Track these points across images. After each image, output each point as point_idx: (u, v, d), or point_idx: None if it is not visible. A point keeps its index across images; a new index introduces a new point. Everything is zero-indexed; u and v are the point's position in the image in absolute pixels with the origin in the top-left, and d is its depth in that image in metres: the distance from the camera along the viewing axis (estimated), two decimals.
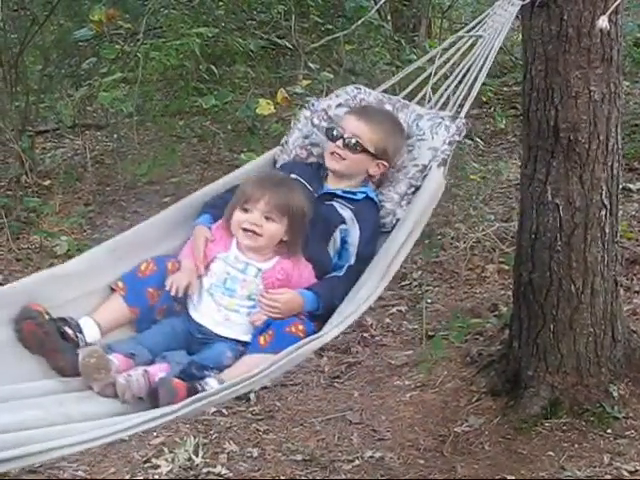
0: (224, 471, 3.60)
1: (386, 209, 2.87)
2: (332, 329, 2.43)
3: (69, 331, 2.45)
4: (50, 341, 2.40)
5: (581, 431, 3.70)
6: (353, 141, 2.85)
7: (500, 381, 3.99)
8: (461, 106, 2.98)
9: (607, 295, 3.83)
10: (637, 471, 3.46)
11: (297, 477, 3.57)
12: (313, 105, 3.08)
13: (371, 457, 3.68)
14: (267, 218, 2.61)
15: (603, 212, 3.74)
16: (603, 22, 3.19)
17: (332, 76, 5.42)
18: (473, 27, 3.13)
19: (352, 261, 2.74)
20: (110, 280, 2.63)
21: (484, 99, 6.60)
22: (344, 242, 2.78)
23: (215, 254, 2.68)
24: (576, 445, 3.63)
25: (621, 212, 4.13)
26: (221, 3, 5.88)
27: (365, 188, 2.89)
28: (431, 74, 3.10)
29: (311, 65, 5.68)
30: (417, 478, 3.54)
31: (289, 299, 2.63)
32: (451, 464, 3.60)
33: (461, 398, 4.00)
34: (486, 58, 3.00)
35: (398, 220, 2.82)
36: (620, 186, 3.88)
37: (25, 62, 6.89)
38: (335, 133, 2.88)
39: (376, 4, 5.86)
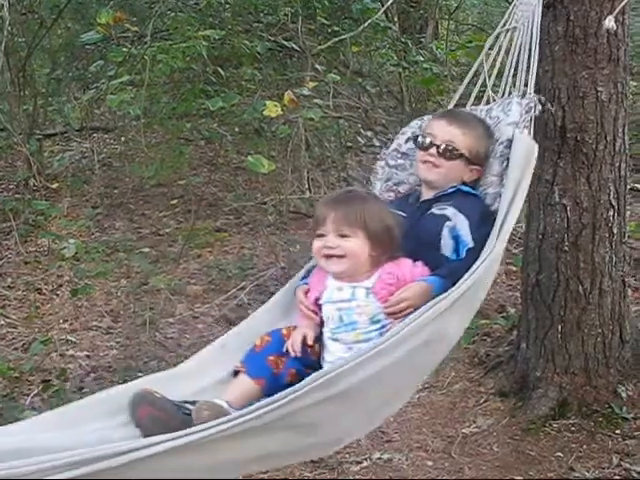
0: None
1: (491, 195, 2.70)
2: (458, 287, 2.30)
3: (191, 407, 2.27)
4: (172, 418, 2.23)
5: (589, 432, 3.69)
6: (449, 147, 2.68)
7: (508, 382, 3.99)
8: (525, 86, 2.90)
9: (615, 295, 3.82)
10: None
11: (306, 478, 3.57)
12: (384, 153, 2.95)
13: (379, 458, 3.68)
14: (341, 236, 2.43)
15: (611, 212, 3.74)
16: (610, 22, 3.18)
17: (339, 78, 5.43)
18: (505, 22, 3.09)
19: (470, 244, 2.55)
20: (223, 375, 2.50)
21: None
22: (456, 237, 2.60)
23: (318, 298, 2.50)
24: (584, 446, 3.63)
25: (629, 212, 4.12)
26: (228, 5, 5.89)
27: (455, 185, 2.74)
28: (486, 78, 3.03)
29: (318, 67, 5.69)
30: (425, 479, 3.54)
31: (413, 291, 2.42)
32: (459, 465, 3.60)
33: (469, 399, 4.00)
34: (530, 44, 2.94)
35: None
36: (628, 186, 3.87)
37: (33, 65, 6.93)
38: (427, 141, 2.71)
39: (383, 6, 5.86)
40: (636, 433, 3.67)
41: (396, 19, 6.81)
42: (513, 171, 2.57)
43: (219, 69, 5.52)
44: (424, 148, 2.71)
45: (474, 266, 2.32)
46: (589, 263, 3.76)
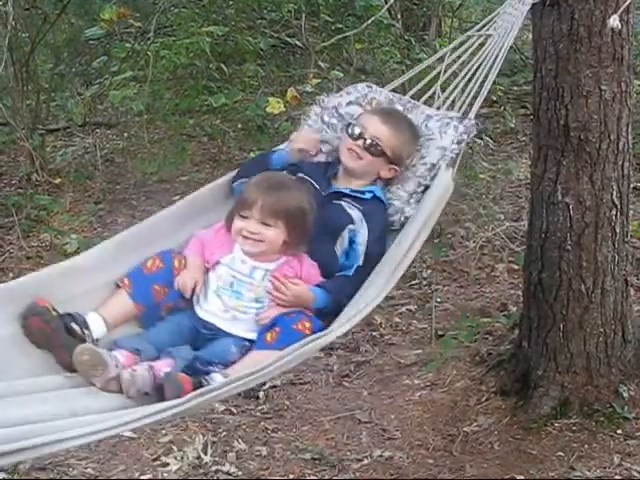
0: (233, 469, 3.60)
1: (394, 207, 2.86)
2: (339, 327, 2.42)
3: (76, 327, 2.44)
4: (57, 337, 2.40)
5: (591, 431, 3.69)
6: (374, 143, 2.84)
7: (510, 381, 3.98)
8: (470, 105, 2.98)
9: (617, 295, 3.81)
10: None
11: (306, 476, 3.57)
12: (323, 102, 3.07)
13: (380, 456, 3.68)
14: (264, 224, 2.61)
15: (614, 212, 3.73)
16: (614, 21, 3.18)
17: (342, 75, 5.42)
18: (483, 26, 3.13)
19: (360, 261, 2.73)
20: (117, 275, 2.63)
21: (494, 98, 6.58)
22: (352, 242, 2.77)
23: (219, 258, 2.68)
24: (586, 445, 3.62)
25: (632, 212, 4.11)
26: (231, 2, 5.88)
27: (373, 187, 2.88)
28: (440, 73, 3.10)
29: (321, 64, 5.68)
30: (426, 478, 3.54)
31: (300, 292, 2.63)
32: (460, 464, 3.60)
33: (470, 398, 3.99)
34: (496, 57, 2.99)
35: (407, 218, 2.81)
36: (631, 186, 3.86)
37: (36, 61, 6.92)
38: (357, 131, 2.86)
39: (386, 3, 5.84)
40: (637, 433, 3.67)
41: (399, 16, 6.78)
42: (424, 212, 2.74)
43: (222, 65, 5.51)
44: (353, 138, 2.86)
45: (357, 316, 2.46)
46: (591, 262, 3.75)
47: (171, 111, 6.02)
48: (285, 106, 4.75)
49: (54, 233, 5.66)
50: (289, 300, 2.62)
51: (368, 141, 2.84)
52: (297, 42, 5.86)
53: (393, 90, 3.14)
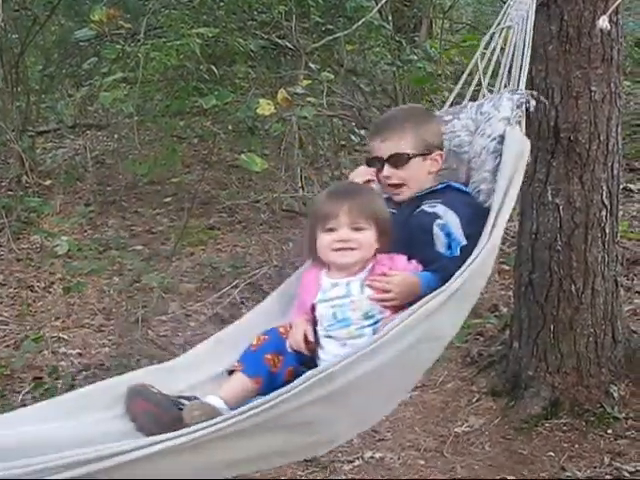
0: None
1: (484, 191, 2.67)
2: (455, 280, 2.25)
3: (186, 403, 2.25)
4: (166, 415, 2.21)
5: (581, 431, 3.70)
6: (394, 157, 2.65)
7: (500, 381, 3.99)
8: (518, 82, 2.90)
9: (607, 295, 3.82)
10: (637, 471, 3.46)
11: (297, 477, 3.56)
12: None
13: (371, 457, 3.68)
14: (356, 229, 2.40)
15: (603, 212, 3.74)
16: (604, 22, 3.18)
17: (333, 76, 5.42)
18: (500, 21, 3.10)
19: (463, 242, 2.52)
20: (218, 370, 2.48)
21: None
22: (448, 234, 2.57)
23: (313, 300, 2.46)
24: (576, 445, 3.63)
25: (621, 212, 4.13)
26: (222, 3, 5.88)
27: (446, 182, 2.71)
28: (480, 76, 3.02)
29: (312, 65, 5.68)
30: (417, 479, 3.54)
31: (403, 279, 2.39)
32: (451, 464, 3.60)
33: (461, 398, 4.00)
34: (524, 43, 2.94)
35: None
36: (620, 186, 3.88)
37: (26, 62, 6.91)
38: (376, 163, 2.69)
39: (377, 4, 5.85)
40: (627, 433, 3.68)
41: (390, 18, 6.79)
42: (506, 167, 2.55)
43: (213, 67, 5.50)
44: (378, 170, 2.68)
45: (469, 259, 2.29)
46: (582, 263, 3.76)
47: (162, 113, 6.02)
48: (276, 107, 4.74)
49: (44, 235, 5.64)
50: (396, 293, 2.37)
51: (390, 160, 2.66)
52: (288, 43, 5.86)
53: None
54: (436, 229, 2.56)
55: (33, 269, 5.61)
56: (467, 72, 3.03)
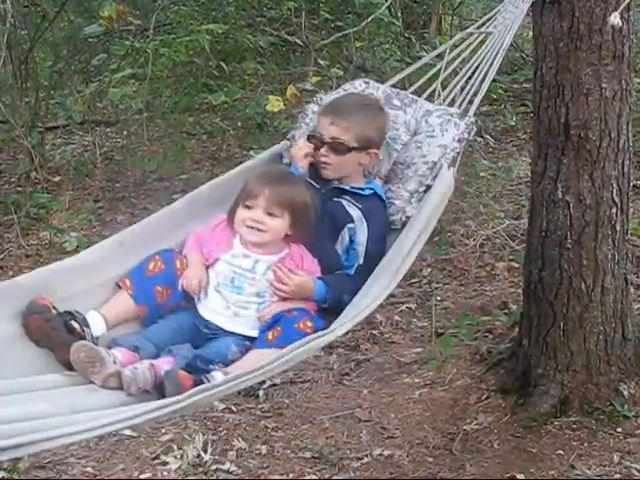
0: (233, 468, 3.60)
1: (396, 207, 2.84)
2: (341, 326, 2.40)
3: (76, 325, 2.43)
4: (57, 335, 2.38)
5: (591, 430, 3.68)
6: (336, 143, 2.80)
7: (510, 379, 3.98)
8: (470, 102, 2.97)
9: (617, 293, 3.81)
10: None
11: (306, 474, 3.56)
12: (321, 99, 3.05)
13: (380, 455, 3.67)
14: (269, 214, 2.61)
15: (614, 210, 3.72)
16: (615, 19, 3.17)
17: (342, 73, 5.42)
18: (483, 23, 3.13)
19: (361, 261, 2.72)
20: (118, 273, 2.62)
21: (494, 96, 6.58)
22: (352, 241, 2.76)
23: (218, 255, 2.67)
24: (586, 444, 3.62)
25: (632, 210, 4.11)
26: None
27: (372, 184, 2.86)
28: (441, 70, 3.09)
29: (321, 62, 5.68)
30: (426, 476, 3.54)
31: (302, 282, 2.63)
32: (460, 462, 3.59)
33: (470, 396, 3.99)
34: (496, 55, 2.99)
35: (408, 218, 2.79)
36: (631, 184, 3.86)
37: (35, 58, 6.91)
38: (317, 140, 2.84)
39: (386, 1, 5.84)
40: (637, 431, 3.66)
41: (399, 14, 6.78)
42: (425, 211, 2.73)
43: (222, 63, 5.51)
44: (316, 147, 2.83)
45: (359, 315, 2.44)
46: (592, 260, 3.75)
47: (170, 109, 6.03)
48: (285, 104, 4.75)
49: (53, 231, 5.65)
50: (291, 290, 2.61)
51: (330, 143, 2.81)
52: (297, 40, 5.86)
53: (393, 86, 3.13)
54: (345, 230, 2.76)
55: (42, 265, 5.59)
56: (426, 60, 3.22)
